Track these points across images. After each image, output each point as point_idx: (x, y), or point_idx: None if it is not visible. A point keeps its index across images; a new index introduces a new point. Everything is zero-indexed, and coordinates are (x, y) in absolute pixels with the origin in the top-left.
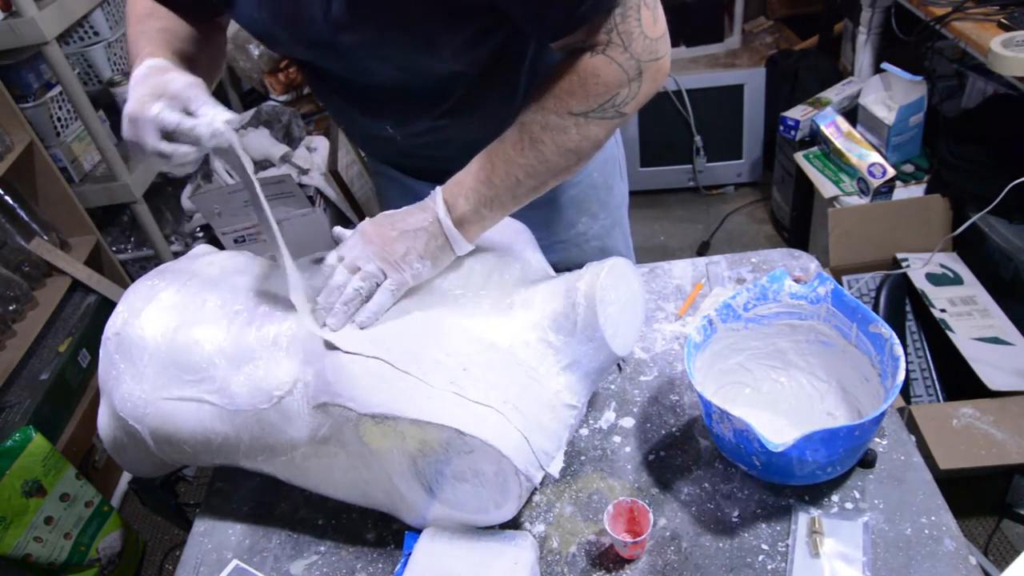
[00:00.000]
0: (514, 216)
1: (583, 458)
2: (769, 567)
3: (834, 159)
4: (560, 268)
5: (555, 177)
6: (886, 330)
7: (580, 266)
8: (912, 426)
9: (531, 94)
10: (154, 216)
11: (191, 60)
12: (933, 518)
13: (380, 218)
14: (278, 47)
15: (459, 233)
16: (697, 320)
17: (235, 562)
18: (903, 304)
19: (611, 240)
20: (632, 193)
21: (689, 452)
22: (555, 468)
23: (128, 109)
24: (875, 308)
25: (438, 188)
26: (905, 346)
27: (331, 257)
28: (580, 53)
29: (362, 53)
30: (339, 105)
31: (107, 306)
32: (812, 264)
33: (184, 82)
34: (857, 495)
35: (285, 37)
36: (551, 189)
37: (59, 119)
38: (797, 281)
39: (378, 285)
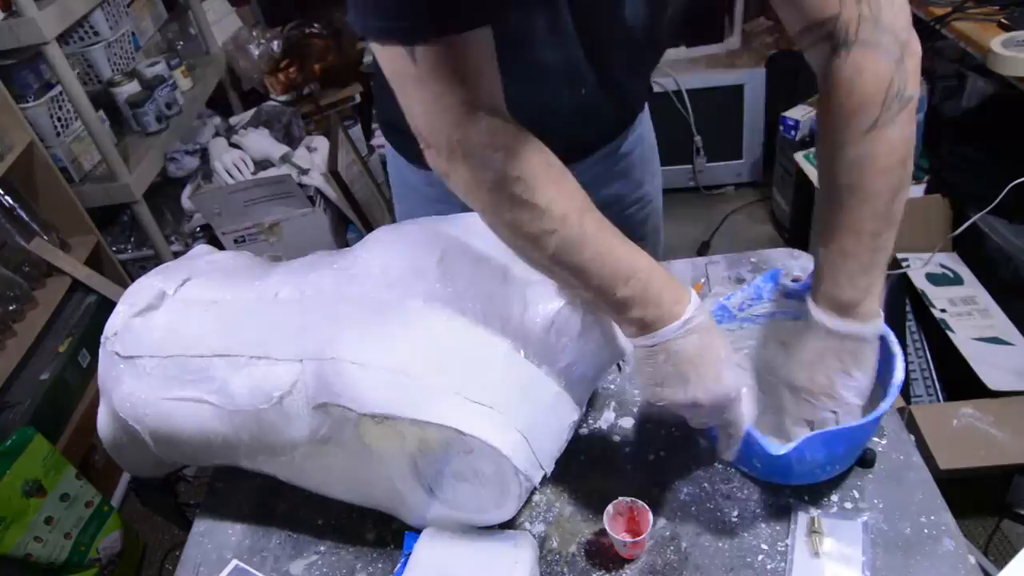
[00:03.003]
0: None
1: (583, 458)
2: (769, 567)
3: None
4: (632, 233)
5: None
6: (886, 330)
7: (643, 233)
8: (912, 426)
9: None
10: (154, 216)
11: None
12: (933, 518)
13: None
14: None
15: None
16: None
17: (235, 562)
18: (903, 304)
19: (658, 209)
20: None
21: (689, 452)
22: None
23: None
24: None
25: None
26: (905, 346)
27: None
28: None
29: None
30: None
31: (107, 306)
32: (812, 264)
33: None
34: (856, 495)
35: None
36: (622, 148)
37: (59, 119)
38: (796, 281)
39: None
